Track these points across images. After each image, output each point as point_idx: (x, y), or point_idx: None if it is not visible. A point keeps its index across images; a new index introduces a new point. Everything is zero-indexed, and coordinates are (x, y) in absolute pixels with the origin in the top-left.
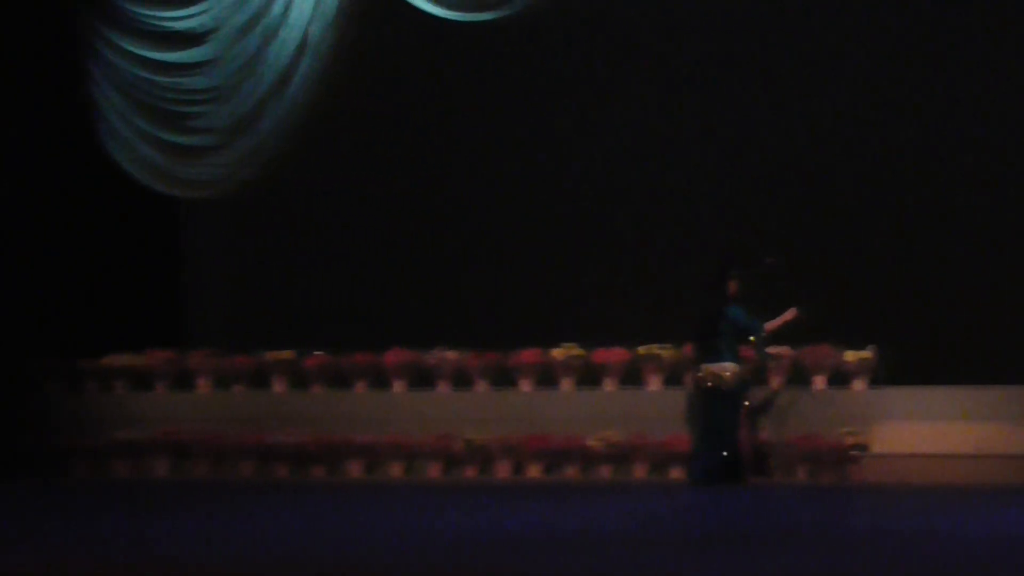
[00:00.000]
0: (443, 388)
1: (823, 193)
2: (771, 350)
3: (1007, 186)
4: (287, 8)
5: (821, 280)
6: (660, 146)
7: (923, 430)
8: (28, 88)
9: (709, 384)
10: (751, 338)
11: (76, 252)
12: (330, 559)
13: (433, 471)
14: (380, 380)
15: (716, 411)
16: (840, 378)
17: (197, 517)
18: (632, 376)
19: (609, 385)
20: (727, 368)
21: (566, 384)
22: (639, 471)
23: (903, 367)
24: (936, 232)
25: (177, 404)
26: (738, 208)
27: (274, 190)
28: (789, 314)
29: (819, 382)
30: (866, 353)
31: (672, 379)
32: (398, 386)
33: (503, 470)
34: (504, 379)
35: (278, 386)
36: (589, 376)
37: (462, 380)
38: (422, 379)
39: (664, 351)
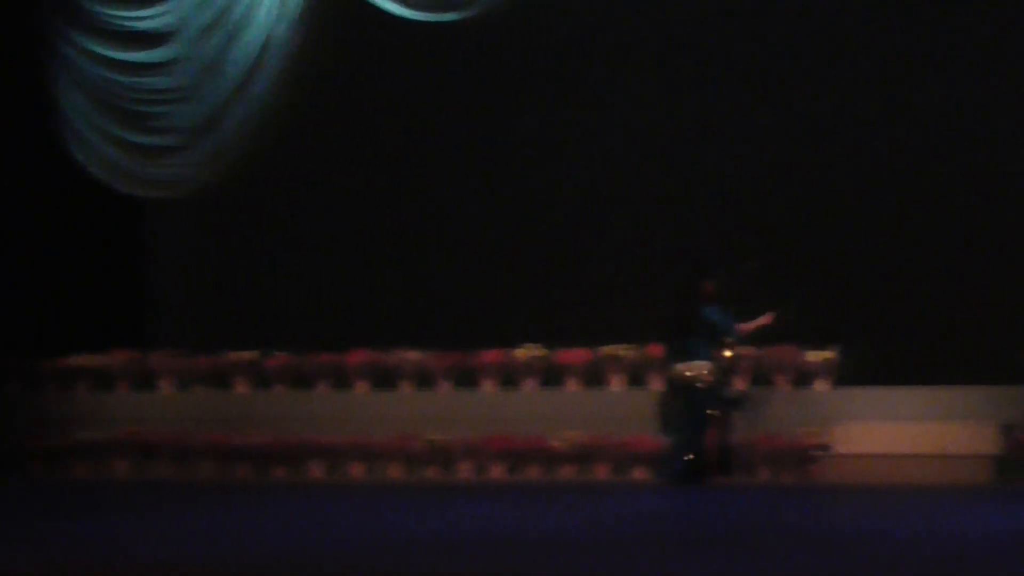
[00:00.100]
0: (405, 388)
1: (786, 196)
2: (743, 351)
3: (970, 189)
4: (251, 8)
5: (784, 281)
6: (619, 149)
7: (885, 430)
8: None
9: (687, 374)
10: (726, 339)
11: (38, 252)
12: (294, 559)
13: (395, 471)
14: (342, 380)
15: (689, 409)
16: (803, 378)
17: (158, 518)
18: (594, 376)
19: (571, 385)
20: (703, 367)
21: (528, 384)
22: (601, 471)
23: (866, 367)
24: (899, 234)
25: (139, 404)
26: (700, 211)
27: (237, 191)
28: (765, 318)
29: (782, 382)
30: (829, 353)
31: (635, 380)
32: (360, 386)
33: (465, 470)
34: (466, 379)
35: (240, 387)
36: (551, 376)
37: (424, 380)
38: (384, 379)
39: (626, 352)
